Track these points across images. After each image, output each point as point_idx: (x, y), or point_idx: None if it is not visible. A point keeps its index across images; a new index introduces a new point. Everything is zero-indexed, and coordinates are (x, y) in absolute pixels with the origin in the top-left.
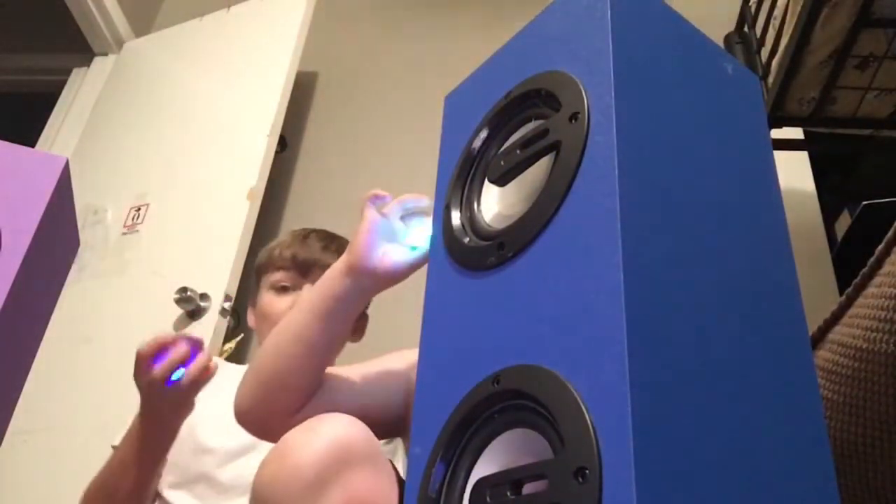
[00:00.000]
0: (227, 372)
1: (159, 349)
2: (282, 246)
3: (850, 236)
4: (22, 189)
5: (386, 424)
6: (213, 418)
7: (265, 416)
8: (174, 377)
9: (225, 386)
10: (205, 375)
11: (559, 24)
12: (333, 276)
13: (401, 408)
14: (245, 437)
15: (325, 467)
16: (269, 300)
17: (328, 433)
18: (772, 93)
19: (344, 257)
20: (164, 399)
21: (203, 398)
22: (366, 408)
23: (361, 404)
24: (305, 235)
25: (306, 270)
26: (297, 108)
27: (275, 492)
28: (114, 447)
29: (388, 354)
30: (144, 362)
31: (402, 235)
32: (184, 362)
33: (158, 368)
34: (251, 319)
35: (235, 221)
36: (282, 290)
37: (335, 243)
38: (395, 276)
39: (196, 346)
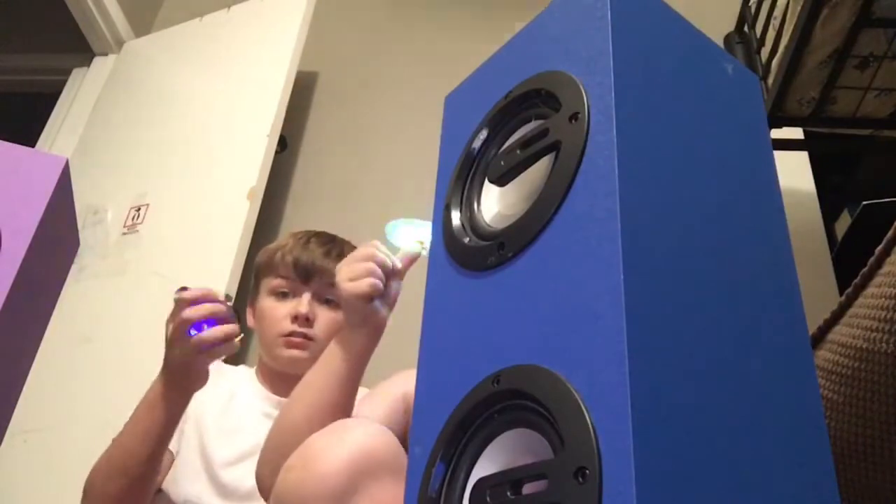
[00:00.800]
0: (228, 374)
1: (202, 298)
2: (283, 250)
3: (850, 236)
4: (22, 189)
5: None
6: (215, 421)
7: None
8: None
9: (224, 386)
10: (227, 344)
11: (559, 24)
12: (357, 350)
13: (402, 432)
14: (247, 441)
15: (350, 477)
16: (270, 305)
17: (354, 441)
18: (772, 93)
19: (364, 331)
20: (184, 350)
21: (206, 399)
22: None
23: None
24: (307, 240)
25: (307, 277)
26: (297, 108)
27: (300, 500)
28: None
29: (386, 381)
30: (184, 305)
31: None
32: (217, 320)
33: (191, 310)
34: (250, 319)
35: (235, 221)
36: (282, 295)
37: (336, 248)
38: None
39: (232, 316)
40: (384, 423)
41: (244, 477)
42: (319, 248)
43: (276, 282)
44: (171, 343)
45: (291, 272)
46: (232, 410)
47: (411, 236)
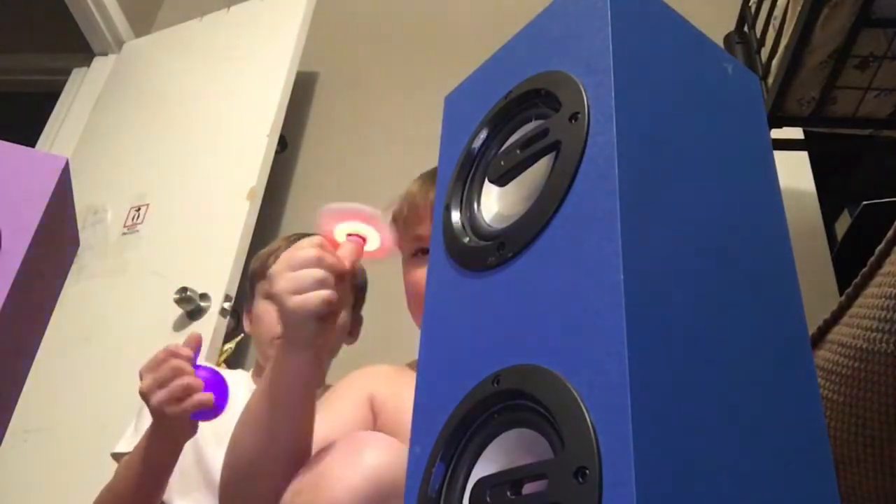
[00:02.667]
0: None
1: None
2: (276, 255)
3: (850, 236)
4: (22, 189)
5: None
6: (212, 427)
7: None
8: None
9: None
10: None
11: (559, 24)
12: (295, 369)
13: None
14: None
15: (378, 489)
16: (265, 309)
17: (369, 465)
18: (772, 93)
19: (304, 352)
20: (173, 412)
21: None
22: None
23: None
24: (298, 242)
25: None
26: (297, 108)
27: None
28: (113, 455)
29: (343, 384)
30: (172, 365)
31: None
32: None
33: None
34: (247, 324)
35: (235, 221)
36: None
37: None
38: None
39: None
40: (357, 429)
41: None
42: None
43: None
44: (159, 402)
45: None
46: (229, 417)
47: (349, 225)
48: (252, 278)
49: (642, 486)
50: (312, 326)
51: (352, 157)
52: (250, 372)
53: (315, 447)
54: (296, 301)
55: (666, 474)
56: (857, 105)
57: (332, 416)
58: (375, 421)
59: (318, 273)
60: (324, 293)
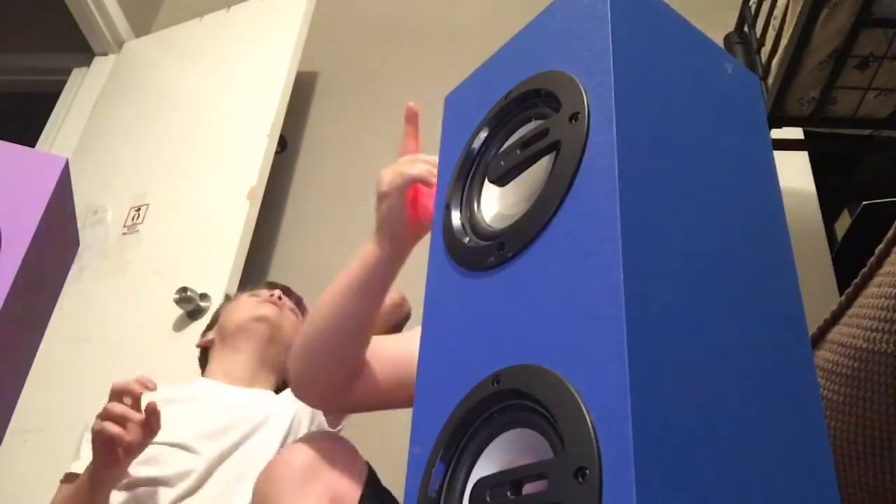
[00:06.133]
0: (205, 386)
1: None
2: (236, 297)
3: (850, 236)
4: (22, 189)
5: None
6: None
7: (325, 389)
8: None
9: (202, 398)
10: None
11: (559, 24)
12: (366, 260)
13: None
14: (231, 438)
15: (309, 465)
16: (241, 300)
17: (313, 445)
18: (772, 93)
19: (379, 248)
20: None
21: (184, 410)
22: (410, 374)
23: (407, 371)
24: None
25: (279, 292)
26: (297, 108)
27: (270, 481)
28: (69, 474)
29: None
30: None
31: None
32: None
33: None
34: (203, 339)
35: (235, 221)
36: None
37: (281, 285)
38: (423, 228)
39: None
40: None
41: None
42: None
43: (247, 294)
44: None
45: (264, 286)
46: (208, 418)
47: None
48: (220, 309)
49: (642, 486)
50: (402, 213)
51: (352, 157)
52: (205, 379)
53: (403, 360)
54: (392, 172)
55: (665, 474)
56: (857, 105)
57: (407, 338)
58: None
59: (423, 162)
60: (425, 166)
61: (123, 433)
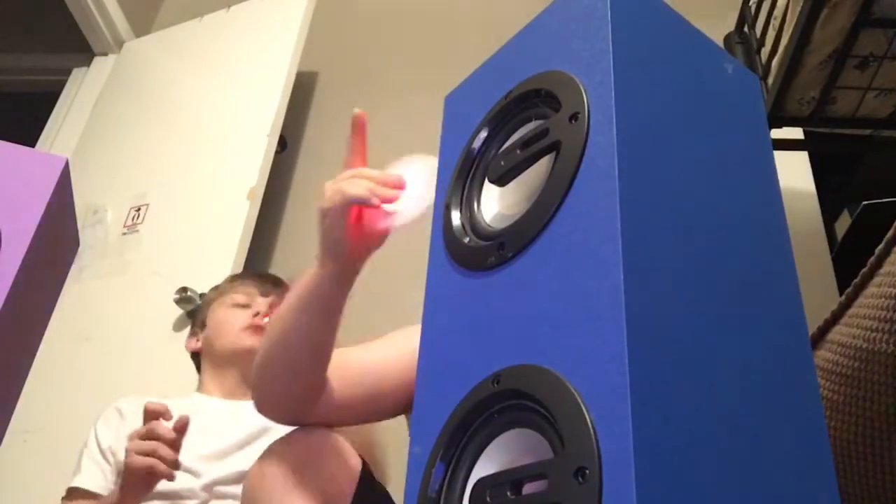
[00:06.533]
0: (201, 404)
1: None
2: (236, 280)
3: (850, 236)
4: (22, 189)
5: (398, 402)
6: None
7: (283, 406)
8: None
9: (200, 417)
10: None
11: (559, 24)
12: (310, 272)
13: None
14: (236, 464)
15: (300, 460)
16: (230, 314)
17: (304, 441)
18: (772, 93)
19: (324, 267)
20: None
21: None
22: (379, 385)
23: (375, 382)
24: (241, 274)
25: (266, 289)
26: (297, 108)
27: (260, 478)
28: (72, 490)
29: (401, 330)
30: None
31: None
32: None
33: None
34: (192, 344)
35: (235, 221)
36: (239, 306)
37: (270, 277)
38: (368, 247)
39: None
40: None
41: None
42: (254, 275)
43: (234, 296)
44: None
45: (250, 283)
46: (208, 440)
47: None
48: (205, 306)
49: (642, 486)
50: (342, 233)
51: None
52: (196, 391)
53: (370, 371)
54: (332, 190)
55: (665, 475)
56: (857, 105)
57: (388, 345)
58: None
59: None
60: (366, 184)
61: (159, 466)
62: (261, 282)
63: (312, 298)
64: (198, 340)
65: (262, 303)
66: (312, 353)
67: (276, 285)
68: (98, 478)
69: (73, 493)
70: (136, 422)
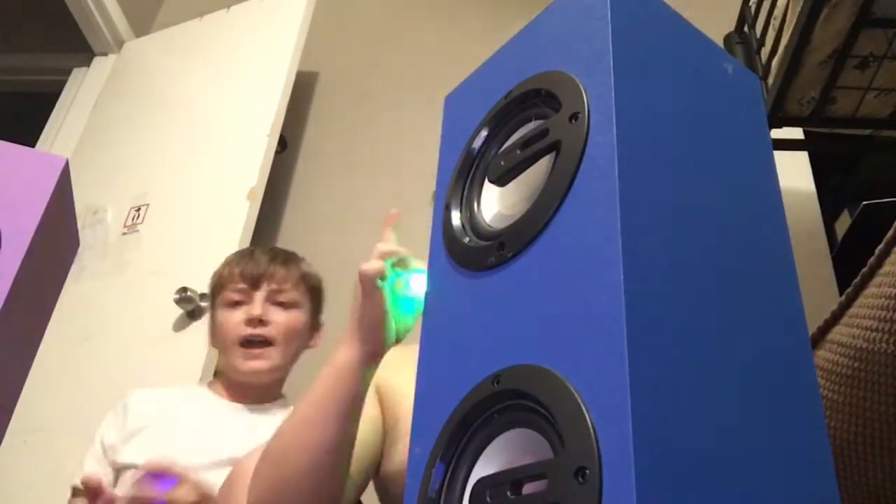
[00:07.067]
0: (208, 407)
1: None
2: (230, 265)
3: (850, 236)
4: (22, 189)
5: (363, 470)
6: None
7: None
8: None
9: (201, 421)
10: None
11: (559, 24)
12: (348, 371)
13: (377, 450)
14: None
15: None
16: (224, 316)
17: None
18: (772, 93)
19: (360, 349)
20: None
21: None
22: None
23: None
24: (251, 251)
25: (256, 282)
26: (297, 108)
27: (227, 495)
28: (74, 488)
29: None
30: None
31: (400, 287)
32: None
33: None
34: (211, 341)
35: (235, 221)
36: (235, 305)
37: (281, 255)
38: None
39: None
40: (366, 428)
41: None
42: (264, 255)
43: (227, 294)
44: None
45: (240, 280)
46: (207, 449)
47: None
48: (211, 295)
49: (642, 486)
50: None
51: (352, 157)
52: (204, 386)
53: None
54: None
55: (666, 474)
56: (857, 105)
57: None
58: (383, 414)
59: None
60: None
61: None
62: (252, 265)
63: (347, 393)
64: (212, 335)
65: (256, 303)
66: (345, 467)
67: (263, 276)
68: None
69: (75, 492)
70: (136, 418)
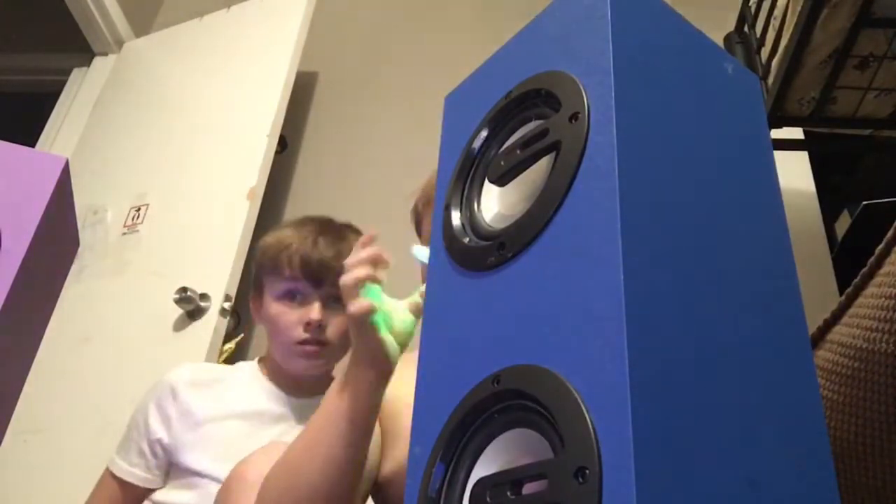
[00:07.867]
0: (254, 392)
1: None
2: (289, 251)
3: (850, 236)
4: (22, 189)
5: (366, 480)
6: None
7: None
8: None
9: (249, 410)
10: None
11: (559, 24)
12: (365, 390)
13: (377, 458)
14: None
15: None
16: (280, 311)
17: (271, 456)
18: (772, 93)
19: (368, 371)
20: None
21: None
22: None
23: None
24: (314, 239)
25: (318, 281)
26: (297, 108)
27: (225, 498)
28: (110, 472)
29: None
30: None
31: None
32: None
33: None
34: (255, 314)
35: (235, 221)
36: (290, 297)
37: (346, 246)
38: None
39: None
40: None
41: None
42: (329, 248)
43: (284, 285)
44: None
45: (301, 276)
46: (252, 430)
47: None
48: (259, 269)
49: (642, 487)
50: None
51: (352, 157)
52: (256, 365)
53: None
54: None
55: (666, 474)
56: (857, 105)
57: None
58: (381, 423)
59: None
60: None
61: None
62: (316, 256)
63: (363, 413)
64: (258, 312)
65: (315, 308)
66: (354, 476)
67: (327, 275)
68: (140, 469)
69: (111, 477)
70: (188, 404)
